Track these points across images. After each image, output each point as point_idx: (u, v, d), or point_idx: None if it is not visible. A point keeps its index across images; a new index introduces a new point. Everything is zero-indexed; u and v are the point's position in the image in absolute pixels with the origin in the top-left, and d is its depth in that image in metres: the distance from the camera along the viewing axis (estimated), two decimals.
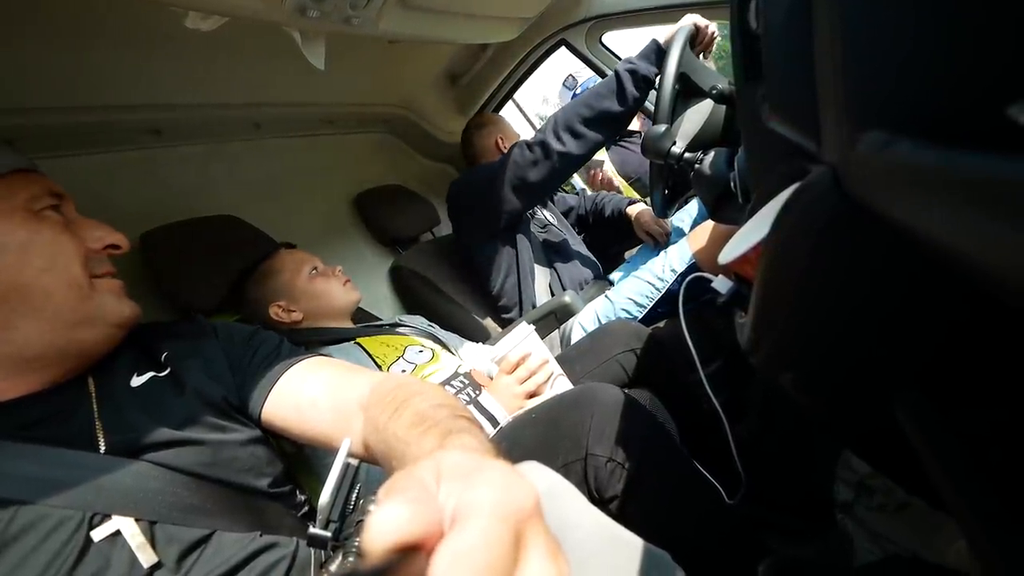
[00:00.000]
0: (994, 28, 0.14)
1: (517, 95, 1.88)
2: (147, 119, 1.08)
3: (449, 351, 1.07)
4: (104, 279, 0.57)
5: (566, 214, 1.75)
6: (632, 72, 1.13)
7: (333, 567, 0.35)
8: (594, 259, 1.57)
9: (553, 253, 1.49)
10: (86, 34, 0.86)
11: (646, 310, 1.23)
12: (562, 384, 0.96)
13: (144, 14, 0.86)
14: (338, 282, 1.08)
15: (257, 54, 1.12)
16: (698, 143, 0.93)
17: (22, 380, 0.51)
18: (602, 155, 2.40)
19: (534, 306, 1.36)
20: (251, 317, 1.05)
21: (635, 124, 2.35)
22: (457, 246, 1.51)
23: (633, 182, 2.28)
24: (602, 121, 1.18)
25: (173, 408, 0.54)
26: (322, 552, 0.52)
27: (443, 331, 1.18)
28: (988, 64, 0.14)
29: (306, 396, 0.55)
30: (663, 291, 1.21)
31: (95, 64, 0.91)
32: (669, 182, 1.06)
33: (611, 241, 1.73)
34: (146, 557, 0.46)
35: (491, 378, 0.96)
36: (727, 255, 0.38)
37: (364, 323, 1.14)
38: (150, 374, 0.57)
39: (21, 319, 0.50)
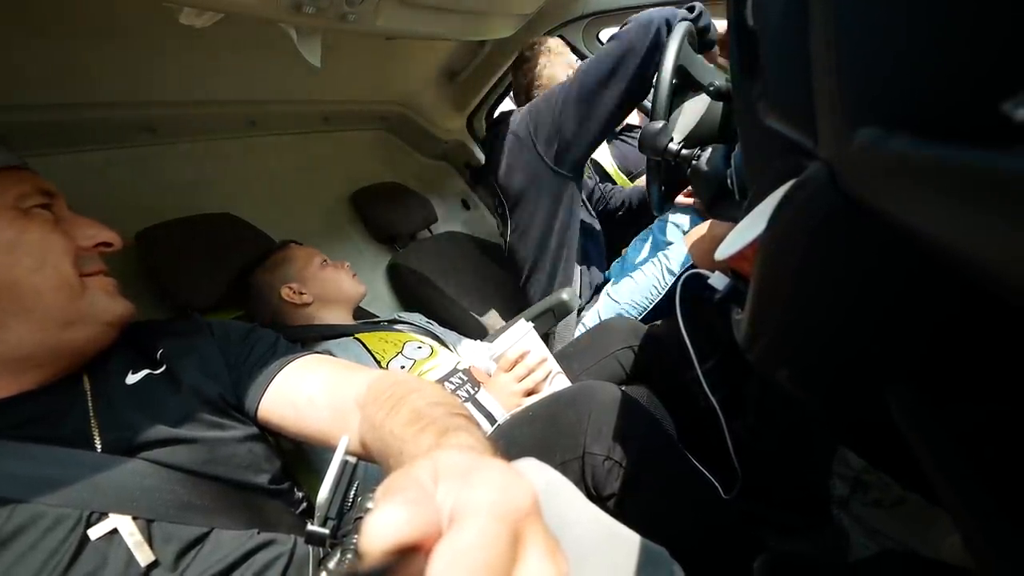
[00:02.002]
0: (987, 24, 0.14)
1: None
2: (141, 116, 1.08)
3: (447, 348, 1.07)
4: (96, 277, 0.56)
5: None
6: None
7: (331, 564, 0.35)
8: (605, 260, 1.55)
9: (588, 241, 1.43)
10: (80, 31, 0.85)
11: (645, 311, 1.24)
12: (560, 382, 0.96)
13: (138, 10, 0.85)
14: (347, 274, 1.11)
15: (253, 51, 1.12)
16: (695, 139, 0.93)
17: (15, 379, 0.51)
18: (603, 149, 2.40)
19: (557, 283, 1.32)
20: (254, 307, 1.06)
21: (635, 119, 2.36)
22: (500, 201, 1.38)
23: (633, 177, 2.28)
24: None
25: (169, 406, 0.54)
26: (320, 549, 0.52)
27: (441, 328, 1.18)
28: (981, 60, 0.14)
29: (303, 393, 0.55)
30: (663, 292, 1.21)
31: (89, 61, 0.90)
32: (666, 178, 1.06)
33: (616, 237, 1.70)
34: (143, 555, 0.46)
35: (489, 375, 0.96)
36: (724, 251, 0.38)
37: (363, 320, 1.14)
38: (145, 372, 0.56)
39: (12, 319, 0.49)
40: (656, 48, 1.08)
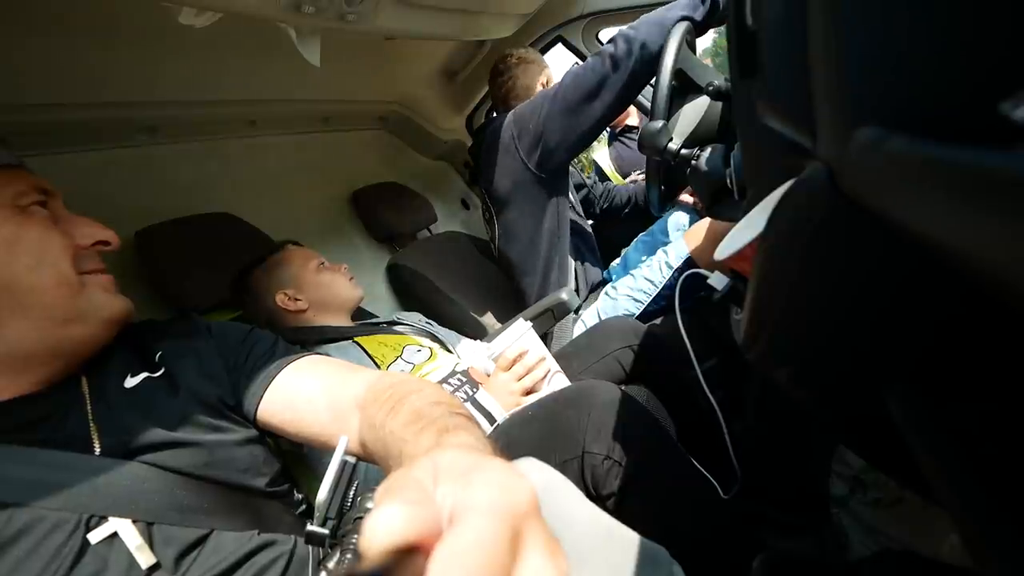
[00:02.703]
0: (987, 25, 0.14)
1: None
2: (142, 116, 1.08)
3: (447, 349, 1.07)
4: (94, 275, 0.56)
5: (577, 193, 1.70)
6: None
7: (331, 564, 0.35)
8: (599, 259, 1.56)
9: (580, 240, 1.45)
10: (80, 31, 0.85)
11: (644, 306, 1.24)
12: (559, 381, 0.96)
13: (138, 10, 0.85)
14: (344, 277, 1.09)
15: (252, 51, 1.12)
16: (695, 139, 0.93)
17: (14, 380, 0.51)
18: (602, 150, 2.41)
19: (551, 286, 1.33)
20: (251, 309, 1.05)
21: (634, 120, 2.37)
22: (487, 206, 1.39)
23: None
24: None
25: (168, 409, 0.54)
26: (320, 550, 0.52)
27: (441, 328, 1.18)
28: (980, 60, 0.15)
29: (302, 395, 0.55)
30: (660, 287, 1.22)
31: (89, 61, 0.90)
32: (665, 178, 1.06)
33: (621, 235, 1.70)
34: (144, 558, 0.46)
35: (488, 375, 0.96)
36: (723, 251, 0.38)
37: (362, 321, 1.14)
38: (144, 374, 0.56)
39: (10, 317, 0.49)
40: (640, 67, 1.09)
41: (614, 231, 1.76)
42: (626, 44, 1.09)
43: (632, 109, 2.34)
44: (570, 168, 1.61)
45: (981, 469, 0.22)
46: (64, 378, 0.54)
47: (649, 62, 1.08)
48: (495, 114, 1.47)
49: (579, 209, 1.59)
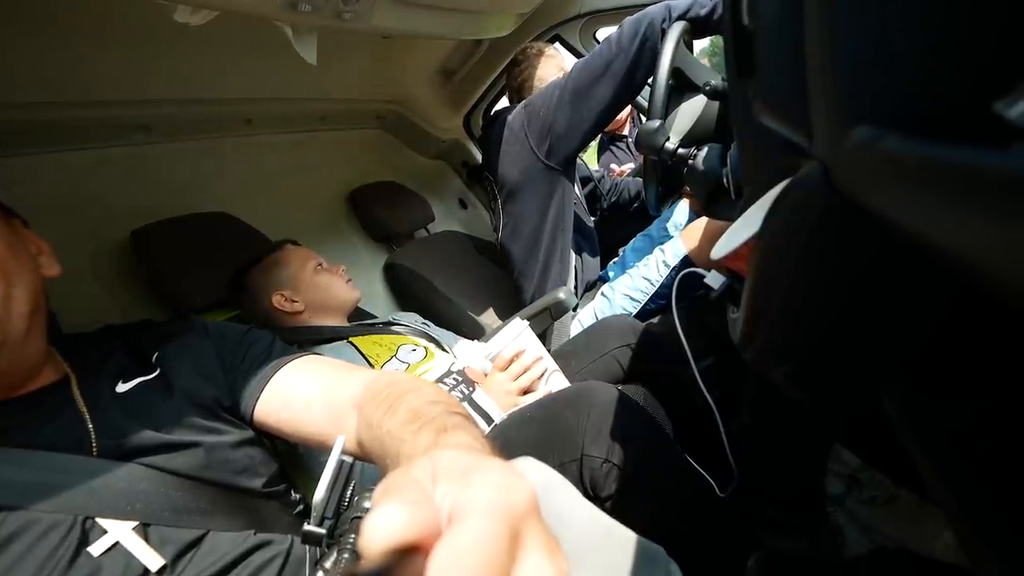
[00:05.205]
0: (981, 24, 0.14)
1: None
2: (137, 115, 1.07)
3: (443, 349, 1.06)
4: None
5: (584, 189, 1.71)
6: None
7: (328, 564, 0.35)
8: (599, 257, 1.56)
9: (580, 237, 1.45)
10: (75, 29, 0.85)
11: (641, 305, 1.24)
12: (558, 380, 0.96)
13: (133, 8, 0.85)
14: (341, 279, 1.09)
15: (248, 49, 1.11)
16: (692, 139, 0.93)
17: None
18: (592, 157, 2.42)
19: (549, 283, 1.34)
20: (249, 308, 1.05)
21: (626, 129, 2.38)
22: (494, 195, 1.40)
23: None
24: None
25: (162, 411, 0.54)
26: (317, 549, 0.52)
27: (437, 329, 1.17)
28: (975, 59, 0.15)
29: (299, 395, 0.55)
30: (657, 286, 1.22)
31: (84, 59, 0.89)
32: (663, 178, 1.06)
33: (626, 232, 1.69)
34: (140, 559, 0.46)
35: (485, 375, 0.96)
36: (720, 250, 0.38)
37: (358, 321, 1.14)
38: (138, 379, 0.56)
39: None
40: (644, 48, 1.10)
41: (618, 229, 1.76)
42: (632, 25, 1.11)
43: (626, 118, 2.35)
44: (577, 161, 1.62)
45: (976, 467, 0.22)
46: (53, 381, 0.53)
47: (654, 38, 1.09)
48: (495, 109, 1.47)
49: (584, 204, 1.60)
